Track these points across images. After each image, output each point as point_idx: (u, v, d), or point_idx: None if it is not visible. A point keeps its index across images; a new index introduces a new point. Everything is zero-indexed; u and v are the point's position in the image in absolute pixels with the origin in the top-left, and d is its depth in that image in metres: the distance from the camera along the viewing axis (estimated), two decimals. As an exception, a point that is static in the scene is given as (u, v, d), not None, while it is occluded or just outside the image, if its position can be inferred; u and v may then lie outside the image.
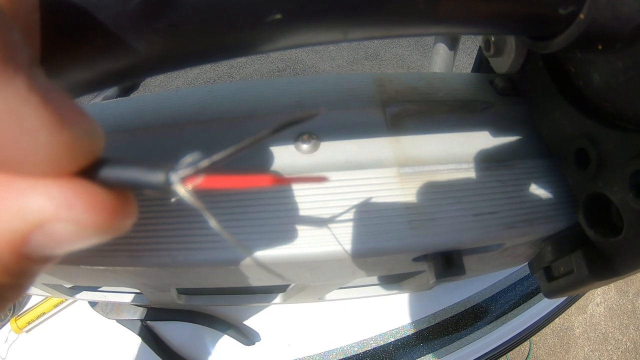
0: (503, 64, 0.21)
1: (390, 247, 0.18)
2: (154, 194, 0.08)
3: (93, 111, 0.23)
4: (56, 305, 0.42)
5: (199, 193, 0.08)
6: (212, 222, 0.08)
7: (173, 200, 0.09)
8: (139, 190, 0.08)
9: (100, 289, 0.37)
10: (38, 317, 0.42)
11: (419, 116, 0.21)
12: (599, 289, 1.13)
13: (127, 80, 0.15)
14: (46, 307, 0.42)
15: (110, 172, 0.08)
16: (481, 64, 0.26)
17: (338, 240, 0.17)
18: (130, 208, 0.08)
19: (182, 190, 0.07)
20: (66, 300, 0.43)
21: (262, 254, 0.17)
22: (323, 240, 0.17)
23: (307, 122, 0.08)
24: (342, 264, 0.19)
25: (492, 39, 0.20)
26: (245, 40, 0.13)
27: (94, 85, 0.14)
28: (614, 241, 0.16)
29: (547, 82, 0.19)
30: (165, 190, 0.07)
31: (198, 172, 0.07)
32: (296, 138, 0.20)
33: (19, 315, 0.42)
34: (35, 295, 0.42)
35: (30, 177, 0.07)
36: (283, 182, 0.08)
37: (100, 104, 0.24)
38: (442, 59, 0.33)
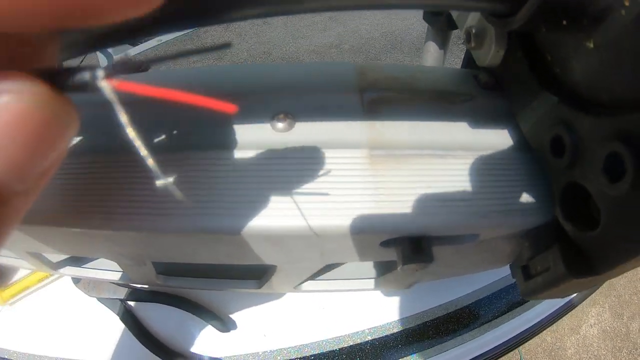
0: (484, 56, 0.21)
1: (355, 225, 0.18)
2: (83, 88, 0.08)
3: None
4: (41, 280, 0.43)
5: (125, 96, 0.08)
6: (123, 118, 0.08)
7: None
8: (71, 89, 0.09)
9: (83, 265, 0.37)
10: (23, 290, 0.43)
11: (397, 103, 0.21)
12: (593, 310, 1.11)
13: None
14: (30, 281, 0.43)
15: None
16: (469, 62, 0.26)
17: (303, 214, 0.17)
18: (69, 104, 0.09)
19: (104, 85, 0.08)
20: (50, 275, 0.43)
21: (226, 222, 0.17)
22: (288, 214, 0.17)
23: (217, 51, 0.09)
24: (308, 241, 0.19)
25: (473, 30, 0.21)
26: None
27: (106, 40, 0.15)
28: (592, 235, 0.15)
29: (526, 71, 0.19)
30: (91, 85, 0.08)
31: (120, 71, 0.08)
32: (272, 117, 0.20)
33: (4, 288, 0.43)
34: (22, 268, 0.42)
35: None
36: (191, 99, 0.08)
37: None
38: (432, 57, 0.33)
